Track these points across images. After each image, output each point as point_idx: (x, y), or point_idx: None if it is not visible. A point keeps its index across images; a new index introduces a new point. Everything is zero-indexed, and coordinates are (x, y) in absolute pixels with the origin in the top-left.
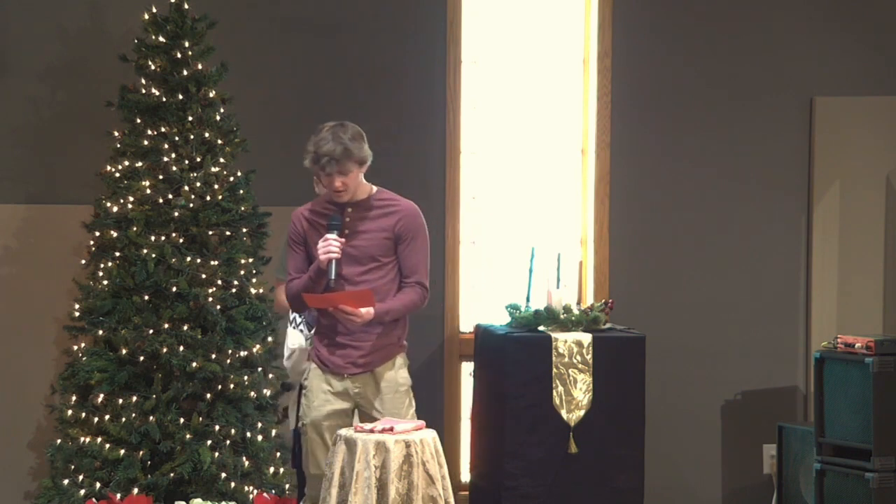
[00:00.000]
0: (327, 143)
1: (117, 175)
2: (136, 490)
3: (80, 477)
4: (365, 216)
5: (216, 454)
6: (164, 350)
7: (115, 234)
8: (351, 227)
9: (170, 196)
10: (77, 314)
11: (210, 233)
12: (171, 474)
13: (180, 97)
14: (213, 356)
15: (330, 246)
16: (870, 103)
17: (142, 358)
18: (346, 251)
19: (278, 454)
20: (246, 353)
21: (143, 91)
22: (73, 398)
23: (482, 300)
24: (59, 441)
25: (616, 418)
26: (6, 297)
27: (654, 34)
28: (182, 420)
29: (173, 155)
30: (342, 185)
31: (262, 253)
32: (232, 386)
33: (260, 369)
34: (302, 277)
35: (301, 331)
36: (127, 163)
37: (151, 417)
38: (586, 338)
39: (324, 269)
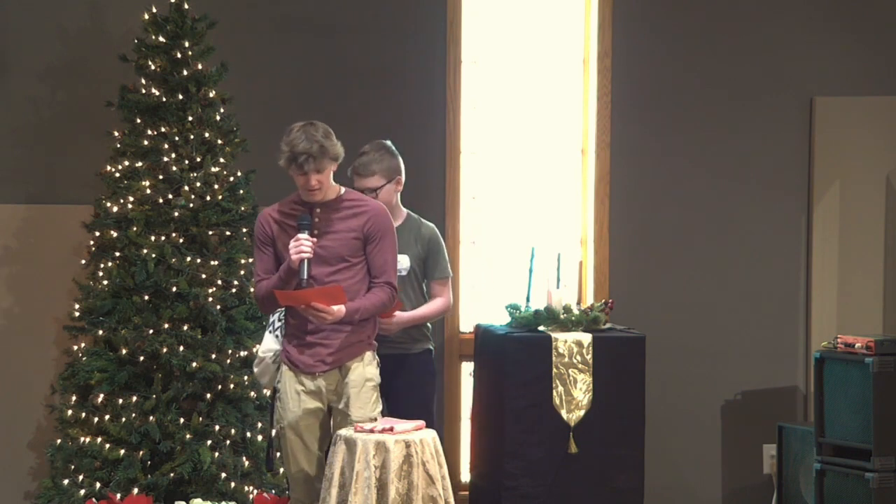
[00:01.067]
0: (301, 141)
1: (117, 175)
2: (136, 490)
3: (80, 477)
4: (334, 216)
5: (216, 454)
6: (164, 350)
7: (115, 234)
8: (320, 228)
9: (170, 196)
10: (77, 314)
11: (210, 233)
12: (171, 474)
13: (180, 97)
14: (213, 356)
15: (301, 246)
16: (870, 103)
17: (142, 358)
18: (315, 251)
19: (278, 454)
20: (246, 353)
21: (143, 91)
22: (73, 398)
23: (482, 300)
24: (59, 441)
25: (616, 418)
26: (6, 297)
27: (654, 34)
28: (182, 420)
29: (173, 155)
30: (318, 182)
31: None
32: (232, 386)
33: None
34: (271, 278)
35: (277, 336)
36: (127, 163)
37: (151, 417)
38: (586, 338)
39: (294, 269)
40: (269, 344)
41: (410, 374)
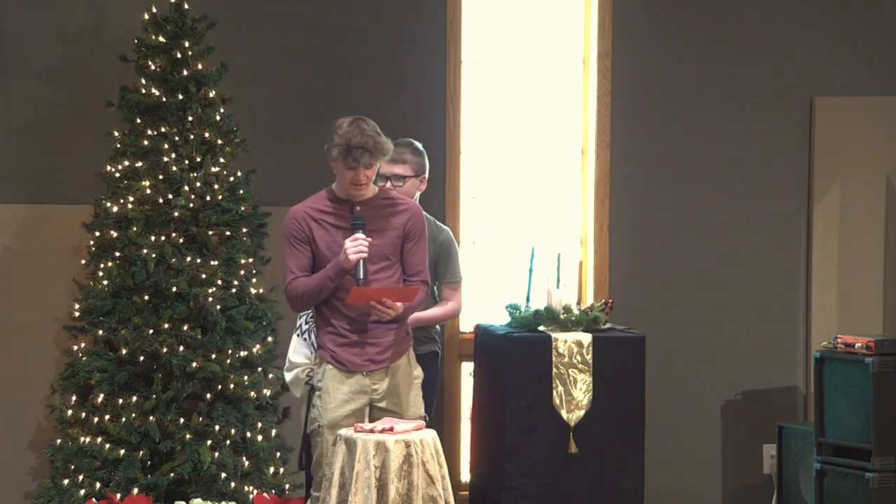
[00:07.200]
0: (357, 135)
1: (117, 175)
2: (136, 490)
3: (80, 477)
4: (375, 214)
5: (216, 454)
6: (164, 350)
7: (115, 234)
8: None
9: (170, 196)
10: (77, 314)
11: (210, 233)
12: (171, 474)
13: (180, 97)
14: (213, 356)
15: (360, 245)
16: (870, 103)
17: (142, 358)
18: None
19: (278, 454)
20: (246, 353)
21: (143, 91)
22: (73, 398)
23: (482, 300)
24: (59, 441)
25: (616, 418)
26: (6, 297)
27: (654, 34)
28: (182, 420)
29: (173, 155)
30: (366, 178)
31: (262, 253)
32: (232, 386)
33: (260, 369)
34: (312, 276)
35: (304, 339)
36: (127, 163)
37: (151, 417)
38: (586, 338)
39: (347, 269)
40: (299, 352)
41: None
